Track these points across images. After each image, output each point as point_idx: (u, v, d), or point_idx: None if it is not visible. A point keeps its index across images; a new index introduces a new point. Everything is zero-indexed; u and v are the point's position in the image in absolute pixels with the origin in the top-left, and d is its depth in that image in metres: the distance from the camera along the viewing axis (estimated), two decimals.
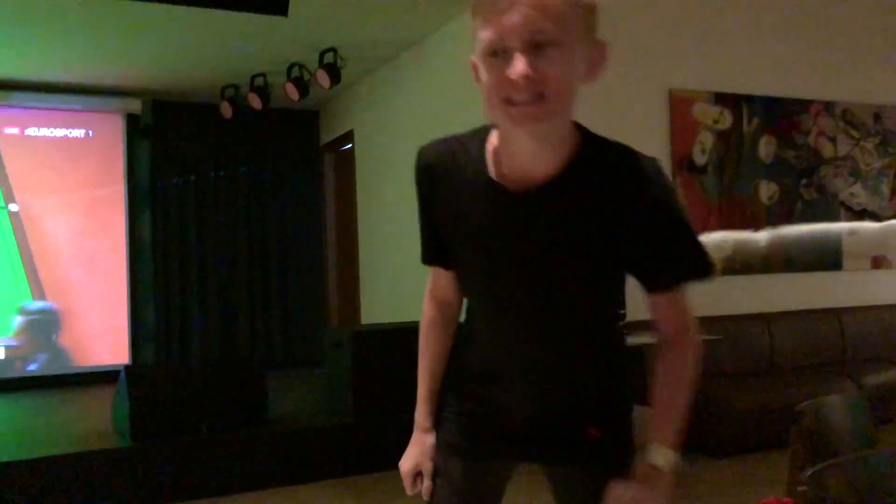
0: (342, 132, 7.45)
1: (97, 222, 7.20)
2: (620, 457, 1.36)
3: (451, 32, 5.53)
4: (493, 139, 1.27)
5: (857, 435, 2.10)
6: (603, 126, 4.70)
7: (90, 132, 7.25)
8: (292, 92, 6.36)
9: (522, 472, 1.50)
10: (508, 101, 1.12)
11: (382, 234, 6.54)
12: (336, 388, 4.74)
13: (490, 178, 1.24)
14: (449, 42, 5.58)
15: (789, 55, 5.69)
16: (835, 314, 5.54)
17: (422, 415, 1.51)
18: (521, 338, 1.34)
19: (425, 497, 1.49)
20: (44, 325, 6.95)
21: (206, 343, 7.41)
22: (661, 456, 1.30)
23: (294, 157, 7.89)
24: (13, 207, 6.94)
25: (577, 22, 1.14)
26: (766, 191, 5.55)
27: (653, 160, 1.25)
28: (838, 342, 5.47)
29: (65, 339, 7.02)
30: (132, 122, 7.33)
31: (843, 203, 5.84)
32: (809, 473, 1.54)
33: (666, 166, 5.20)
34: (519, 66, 1.09)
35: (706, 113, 5.36)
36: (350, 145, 7.32)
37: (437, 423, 1.51)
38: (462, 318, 1.51)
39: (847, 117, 5.88)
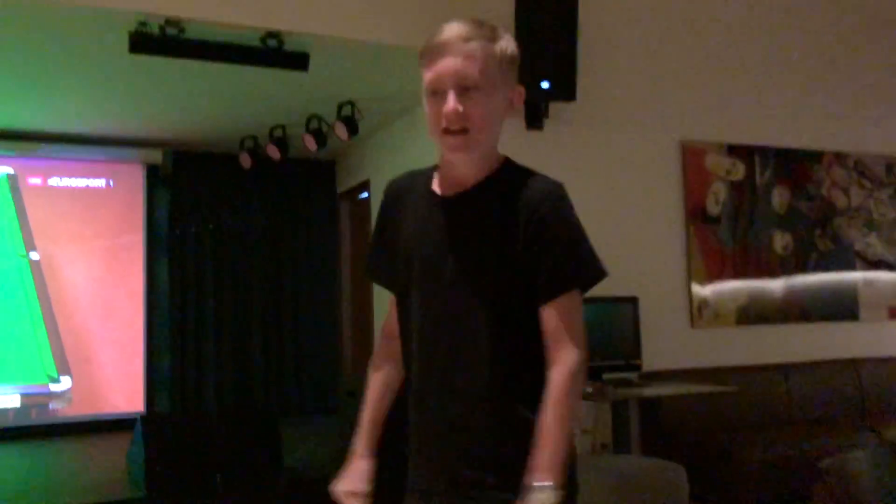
0: (358, 182, 7.54)
1: (116, 270, 7.28)
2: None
3: None
4: (439, 168, 1.56)
5: (884, 491, 2.09)
6: (616, 176, 4.82)
7: (111, 182, 7.38)
8: (310, 143, 6.47)
9: None
10: (445, 132, 1.44)
11: None
12: (350, 437, 4.72)
13: (430, 189, 1.54)
14: None
15: (801, 106, 5.75)
16: (852, 365, 5.49)
17: (359, 442, 1.69)
18: (438, 348, 1.48)
19: None
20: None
21: (220, 391, 7.41)
22: (539, 494, 1.33)
23: (310, 206, 7.98)
24: (34, 256, 7.04)
25: (497, 71, 1.44)
26: (781, 241, 5.56)
27: (555, 184, 1.49)
28: (857, 393, 5.42)
29: (80, 387, 7.04)
30: (152, 172, 7.45)
31: (858, 253, 5.84)
32: None
33: (679, 217, 5.26)
34: (450, 103, 1.41)
35: (719, 164, 5.40)
36: (366, 194, 7.40)
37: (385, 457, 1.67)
38: None
39: (859, 168, 5.91)
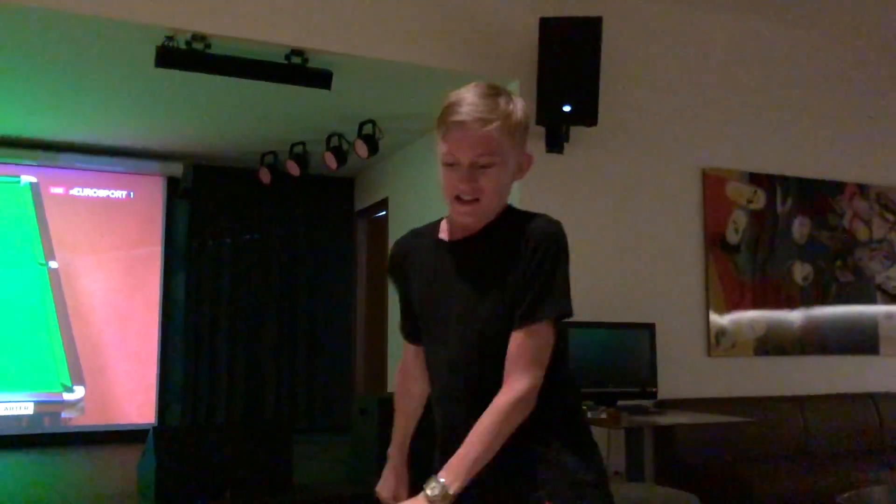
0: (376, 200, 7.56)
1: (133, 281, 7.32)
2: None
3: None
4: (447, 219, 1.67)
5: None
6: (635, 201, 4.81)
7: (131, 193, 7.44)
8: (330, 160, 6.50)
9: None
10: (457, 199, 1.53)
11: None
12: (361, 455, 4.70)
13: (438, 238, 1.63)
14: None
15: (824, 136, 5.72)
16: (871, 399, 5.41)
17: (395, 451, 1.86)
18: (454, 387, 1.57)
19: None
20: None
21: (232, 406, 7.41)
22: (432, 484, 1.43)
23: (328, 223, 8.00)
24: (53, 264, 7.09)
25: (510, 144, 1.51)
26: (801, 272, 5.51)
27: (550, 221, 1.55)
28: (875, 429, 5.33)
29: (93, 397, 7.06)
30: (172, 184, 7.51)
31: (879, 286, 5.77)
32: None
33: (698, 244, 5.23)
34: (465, 179, 1.50)
35: (740, 192, 5.38)
36: (384, 212, 7.42)
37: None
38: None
39: (882, 201, 5.86)
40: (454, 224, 1.62)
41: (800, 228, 5.55)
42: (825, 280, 5.58)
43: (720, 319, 5.21)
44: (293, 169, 6.84)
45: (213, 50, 4.45)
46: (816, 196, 5.62)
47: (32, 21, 4.36)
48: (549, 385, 1.51)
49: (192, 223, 7.53)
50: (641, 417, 4.10)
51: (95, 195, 7.32)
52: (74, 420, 7.02)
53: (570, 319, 1.55)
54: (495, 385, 1.51)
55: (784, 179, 5.52)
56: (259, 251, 7.71)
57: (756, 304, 5.32)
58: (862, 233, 5.77)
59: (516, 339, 1.49)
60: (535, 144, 4.84)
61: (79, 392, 7.04)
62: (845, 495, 1.99)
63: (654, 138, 5.22)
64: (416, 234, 1.73)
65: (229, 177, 7.61)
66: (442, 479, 1.42)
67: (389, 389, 6.97)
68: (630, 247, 5.06)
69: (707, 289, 5.22)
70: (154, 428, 4.43)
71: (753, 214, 5.39)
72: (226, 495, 4.09)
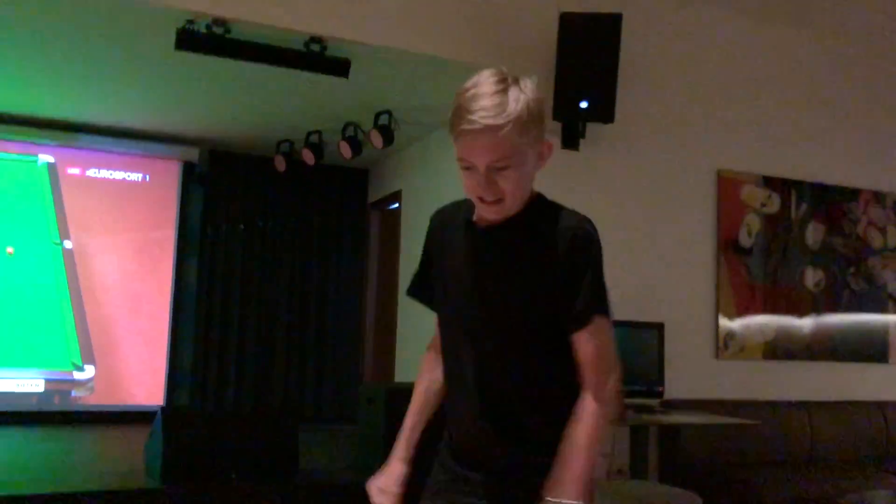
0: (390, 192, 7.58)
1: (146, 264, 7.37)
2: None
3: None
4: None
5: None
6: (649, 200, 4.78)
7: (147, 177, 7.49)
8: (345, 150, 6.52)
9: None
10: (480, 200, 1.51)
11: None
12: (368, 443, 4.73)
13: (469, 219, 1.61)
14: None
15: (840, 143, 5.70)
16: (879, 408, 5.39)
17: (399, 445, 1.76)
18: (459, 360, 1.58)
19: None
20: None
21: (240, 391, 7.45)
22: None
23: (341, 213, 8.02)
24: (67, 244, 7.15)
25: (526, 141, 1.47)
26: (813, 277, 5.49)
27: (583, 219, 1.54)
28: (882, 437, 5.31)
29: (103, 377, 7.12)
30: (188, 169, 7.55)
31: (891, 295, 5.74)
32: None
33: (711, 246, 5.22)
34: (484, 191, 1.48)
35: (754, 196, 5.36)
36: (397, 205, 7.44)
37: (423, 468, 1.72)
38: None
39: None
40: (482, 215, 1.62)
41: (813, 234, 5.52)
42: (837, 287, 5.56)
43: (730, 323, 5.20)
44: (308, 157, 6.86)
45: (233, 35, 4.48)
46: (831, 202, 5.60)
47: (56, 0, 4.40)
48: (572, 383, 1.52)
49: (206, 208, 7.58)
50: (647, 416, 4.11)
51: (111, 177, 7.37)
52: (84, 399, 7.09)
53: None
54: (506, 372, 1.52)
55: (799, 184, 5.49)
56: (272, 239, 7.74)
57: (766, 309, 5.30)
58: (876, 241, 5.74)
59: (583, 342, 1.48)
60: (551, 140, 4.84)
61: (89, 371, 7.10)
62: (848, 496, 1.99)
63: (671, 138, 5.21)
64: (457, 205, 1.70)
65: (245, 163, 7.65)
66: (563, 500, 1.39)
67: (397, 380, 7.01)
68: (642, 246, 5.05)
69: (717, 290, 5.21)
70: (162, 409, 4.47)
71: (767, 218, 5.38)
72: (232, 478, 4.13)
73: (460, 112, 1.45)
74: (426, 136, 6.66)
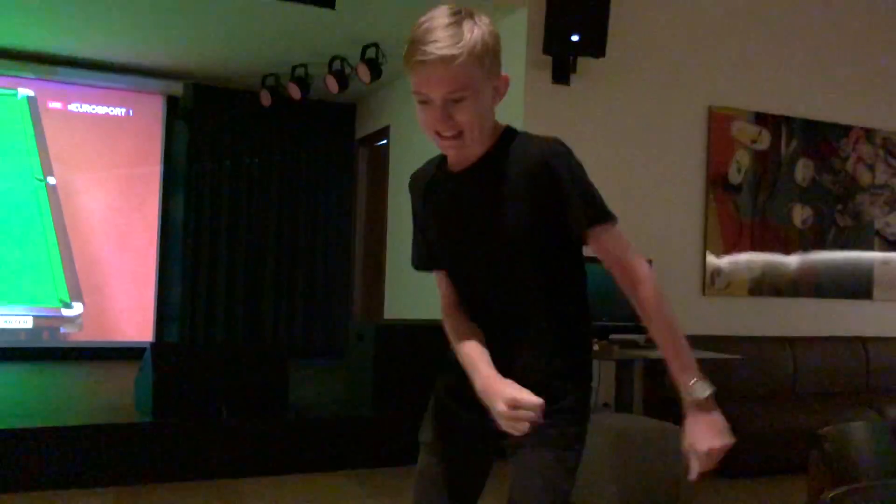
0: (378, 128, 7.49)
1: (131, 201, 7.30)
2: (564, 441, 1.49)
3: None
4: None
5: (879, 463, 2.09)
6: (639, 136, 4.74)
7: (130, 111, 7.36)
8: (332, 85, 6.41)
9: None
10: (437, 135, 1.49)
11: (410, 231, 6.56)
12: (356, 380, 4.78)
13: (444, 168, 1.62)
14: None
15: (832, 79, 5.65)
16: (861, 343, 5.48)
17: (481, 365, 1.55)
18: (478, 307, 1.59)
19: None
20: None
21: (229, 327, 7.48)
22: (699, 388, 1.51)
23: (329, 149, 7.94)
24: (51, 180, 7.06)
25: (482, 73, 1.45)
26: (800, 214, 5.50)
27: (552, 139, 1.51)
28: (863, 372, 5.41)
29: (92, 314, 7.13)
30: (172, 104, 7.42)
31: (877, 232, 5.78)
32: (831, 496, 1.54)
33: (700, 183, 5.21)
34: (440, 115, 1.46)
35: (745, 132, 5.33)
36: (385, 141, 7.36)
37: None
38: None
39: (888, 146, 5.82)
40: (451, 158, 1.62)
41: (802, 171, 5.52)
42: (824, 224, 5.58)
43: (717, 260, 5.23)
44: (294, 92, 6.75)
45: None
46: (821, 139, 5.57)
47: None
48: (575, 311, 1.55)
49: (191, 144, 7.48)
50: (632, 351, 4.16)
51: (94, 111, 7.24)
52: (73, 335, 7.10)
53: None
54: (523, 304, 1.53)
55: (790, 120, 5.46)
56: (258, 175, 7.67)
57: (754, 246, 5.33)
58: (865, 178, 5.74)
59: (599, 240, 1.49)
60: (542, 74, 4.77)
61: (77, 308, 7.10)
62: (826, 428, 2.03)
63: (662, 73, 5.15)
64: (429, 163, 1.71)
65: (229, 98, 7.52)
66: (692, 380, 1.50)
67: (387, 316, 7.05)
68: (632, 182, 5.04)
69: (705, 227, 5.22)
70: (152, 344, 4.48)
71: (757, 155, 5.36)
72: (222, 412, 4.17)
73: (414, 45, 1.45)
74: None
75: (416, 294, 6.47)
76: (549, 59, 4.69)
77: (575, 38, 4.49)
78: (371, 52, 6.00)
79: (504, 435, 1.47)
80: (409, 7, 5.19)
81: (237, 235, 7.56)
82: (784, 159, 5.45)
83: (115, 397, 4.90)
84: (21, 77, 6.94)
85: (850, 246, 5.66)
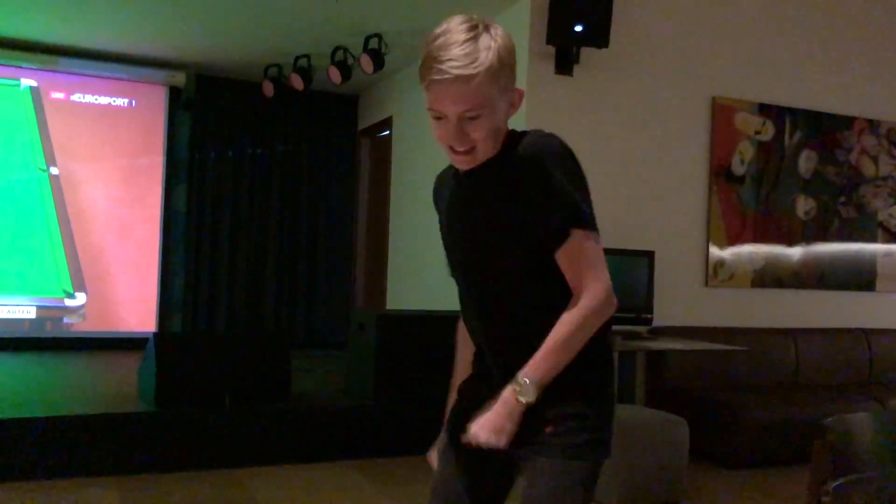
0: (380, 118, 7.48)
1: (134, 191, 7.31)
2: (571, 451, 1.44)
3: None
4: None
5: (883, 453, 2.09)
6: (643, 128, 4.74)
7: (133, 102, 7.35)
8: (335, 75, 6.40)
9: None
10: (451, 149, 1.48)
11: (413, 222, 6.57)
12: (358, 369, 4.78)
13: (457, 171, 1.58)
14: None
15: (836, 70, 5.62)
16: (864, 335, 5.48)
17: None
18: (478, 314, 1.57)
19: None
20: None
21: (231, 317, 7.50)
22: (526, 390, 1.42)
23: (331, 139, 7.93)
24: (54, 170, 7.06)
25: (497, 90, 1.42)
26: (804, 206, 5.49)
27: (544, 134, 1.48)
28: (865, 363, 5.42)
29: (95, 304, 7.14)
30: (175, 94, 7.41)
31: (881, 224, 5.77)
32: (834, 486, 1.54)
33: (703, 174, 5.19)
34: (455, 141, 1.45)
35: (748, 123, 5.31)
36: (387, 132, 7.35)
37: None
38: None
39: (892, 137, 5.80)
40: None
41: (806, 162, 5.50)
42: (827, 215, 5.57)
43: (720, 252, 5.23)
44: (297, 83, 6.73)
45: None
46: (825, 130, 5.56)
47: None
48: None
49: (193, 134, 7.47)
50: (634, 342, 4.16)
51: (97, 102, 7.23)
52: (76, 326, 7.12)
53: None
54: (515, 309, 1.51)
55: (794, 112, 5.45)
56: (261, 165, 7.67)
57: (757, 238, 5.32)
58: (868, 169, 5.73)
59: (566, 251, 1.43)
60: (545, 65, 4.76)
61: (80, 299, 7.11)
62: (829, 420, 2.03)
63: (665, 64, 5.13)
64: (450, 166, 1.67)
65: (232, 89, 7.51)
66: (525, 378, 1.41)
67: (389, 306, 7.05)
68: (635, 173, 5.03)
69: (708, 218, 5.22)
70: (155, 333, 4.49)
71: (760, 146, 5.35)
72: (225, 402, 4.18)
73: (429, 62, 1.41)
74: (417, 61, 6.53)
75: (417, 284, 6.48)
76: (553, 49, 4.68)
77: (578, 28, 4.47)
78: (374, 43, 5.99)
79: (516, 447, 1.44)
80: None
81: (239, 225, 7.57)
82: (787, 150, 5.44)
83: (118, 387, 4.91)
84: (24, 67, 6.94)
85: (853, 237, 5.65)
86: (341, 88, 6.92)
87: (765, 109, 5.35)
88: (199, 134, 7.47)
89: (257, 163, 7.65)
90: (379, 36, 5.94)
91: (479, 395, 1.53)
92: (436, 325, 4.25)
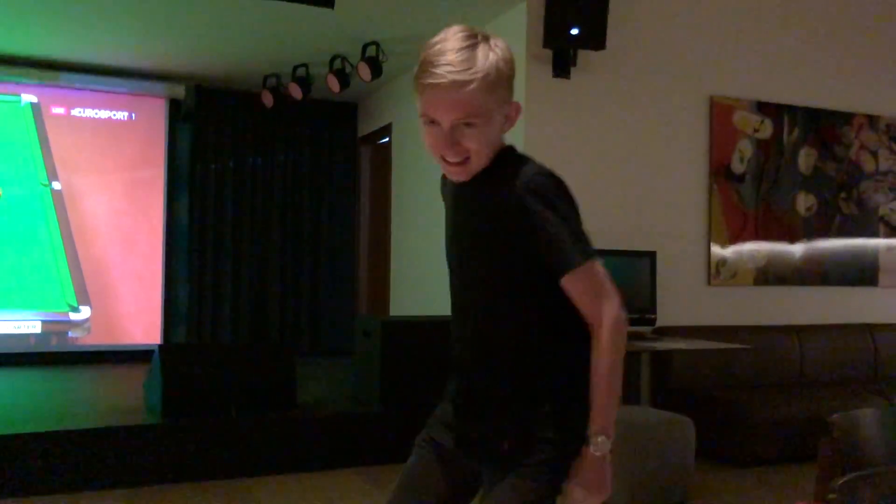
0: (380, 125, 7.50)
1: (136, 204, 7.33)
2: (525, 470, 1.44)
3: (494, 31, 5.55)
4: None
5: (889, 449, 2.09)
6: (642, 128, 4.76)
7: (133, 115, 7.38)
8: (333, 84, 6.42)
9: None
10: (442, 158, 1.46)
11: (414, 228, 6.58)
12: (364, 376, 4.79)
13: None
14: None
15: (834, 66, 5.63)
16: (868, 330, 5.48)
17: None
18: (460, 319, 1.57)
19: None
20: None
21: (236, 327, 7.51)
22: (602, 444, 1.41)
23: (331, 148, 7.96)
24: (56, 185, 7.09)
25: (493, 101, 1.41)
26: (804, 203, 5.50)
27: (541, 169, 1.44)
28: (870, 359, 5.42)
29: (99, 317, 7.16)
30: (175, 106, 7.44)
31: (882, 219, 5.77)
32: (840, 483, 1.54)
33: (703, 173, 5.20)
34: (447, 150, 1.43)
35: (747, 121, 5.32)
36: (387, 139, 7.37)
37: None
38: None
39: (891, 132, 5.81)
40: None
41: (805, 159, 5.51)
42: (828, 212, 5.58)
43: (721, 250, 5.23)
44: (296, 92, 6.76)
45: None
46: (824, 126, 5.57)
47: None
48: (554, 336, 1.48)
49: (194, 146, 7.49)
50: (639, 343, 4.16)
51: (97, 116, 7.25)
52: (81, 339, 7.13)
53: None
54: (494, 328, 1.50)
55: (792, 109, 5.46)
56: (262, 175, 7.69)
57: (758, 235, 5.33)
58: (868, 164, 5.73)
59: (575, 284, 1.41)
60: (542, 68, 4.77)
61: (85, 312, 7.13)
62: (836, 415, 2.03)
63: (663, 64, 5.14)
64: None
65: (232, 99, 7.54)
66: (598, 437, 1.41)
67: (392, 313, 7.06)
68: (634, 174, 5.04)
69: (709, 217, 5.22)
70: (160, 345, 4.50)
71: (759, 144, 5.35)
72: (231, 411, 4.19)
73: (425, 66, 1.39)
74: (415, 67, 6.55)
75: (420, 290, 6.49)
76: (550, 52, 4.69)
77: (575, 31, 4.49)
78: (371, 51, 6.01)
79: (475, 459, 1.50)
80: (408, 7, 5.21)
81: (242, 236, 7.58)
82: (787, 148, 5.45)
83: (124, 400, 4.92)
84: (24, 83, 6.97)
85: (854, 233, 5.66)
86: (340, 96, 6.94)
87: (763, 107, 5.36)
88: (199, 145, 7.50)
89: (258, 172, 7.68)
90: (376, 44, 5.97)
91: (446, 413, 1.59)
92: (440, 331, 4.23)
